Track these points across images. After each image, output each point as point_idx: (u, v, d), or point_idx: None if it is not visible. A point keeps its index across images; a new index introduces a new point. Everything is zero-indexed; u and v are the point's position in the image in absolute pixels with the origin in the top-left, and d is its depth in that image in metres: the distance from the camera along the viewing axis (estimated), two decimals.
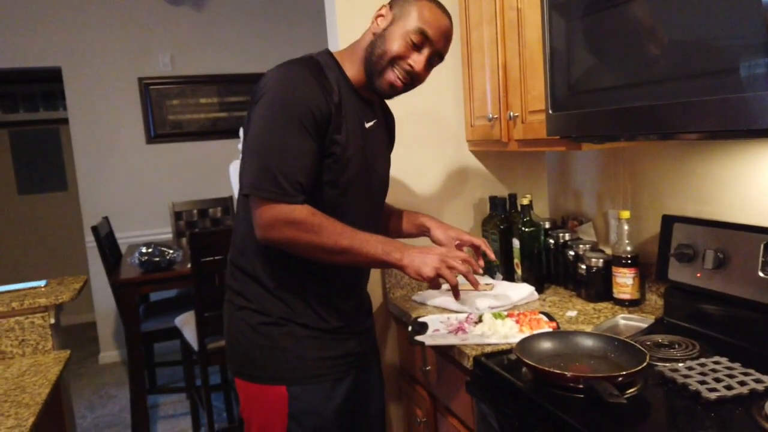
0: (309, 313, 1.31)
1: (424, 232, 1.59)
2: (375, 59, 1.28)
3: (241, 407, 1.35)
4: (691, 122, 1.02)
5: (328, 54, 1.34)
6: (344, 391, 1.34)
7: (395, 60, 1.28)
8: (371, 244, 1.23)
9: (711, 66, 0.97)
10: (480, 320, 1.51)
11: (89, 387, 3.79)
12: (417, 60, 1.28)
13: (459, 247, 1.49)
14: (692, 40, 1.02)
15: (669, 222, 1.48)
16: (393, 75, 1.29)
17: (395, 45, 1.27)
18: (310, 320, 1.31)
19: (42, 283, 1.84)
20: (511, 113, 1.65)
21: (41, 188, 5.16)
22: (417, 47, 1.27)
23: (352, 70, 1.32)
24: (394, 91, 1.32)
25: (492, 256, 1.50)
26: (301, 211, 1.18)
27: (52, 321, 1.69)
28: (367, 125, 1.35)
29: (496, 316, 1.51)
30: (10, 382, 1.44)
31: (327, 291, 1.34)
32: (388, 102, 1.49)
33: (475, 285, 1.33)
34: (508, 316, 1.52)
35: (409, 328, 1.53)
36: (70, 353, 1.67)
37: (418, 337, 1.46)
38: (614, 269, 1.62)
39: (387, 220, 1.61)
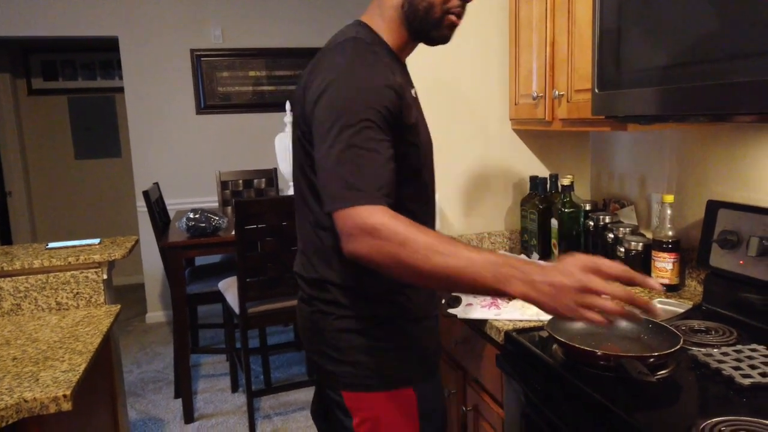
0: (414, 304, 1.18)
1: None
2: (422, 13, 1.13)
3: (356, 422, 1.14)
4: (746, 103, 0.99)
5: (366, 28, 1.16)
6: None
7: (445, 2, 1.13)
8: (477, 265, 0.89)
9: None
10: (513, 297, 1.52)
11: (136, 344, 3.98)
12: None
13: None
14: (752, 17, 0.98)
15: (714, 207, 1.44)
16: (451, 17, 1.14)
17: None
18: (417, 310, 1.18)
19: (96, 241, 1.94)
20: (557, 92, 1.63)
21: (97, 154, 5.38)
22: None
23: (391, 36, 1.16)
24: (453, 30, 1.18)
25: (655, 286, 0.95)
26: (379, 214, 0.94)
27: (105, 277, 1.79)
28: (413, 94, 1.19)
29: None
30: (65, 331, 1.54)
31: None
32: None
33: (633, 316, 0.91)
34: None
35: (443, 301, 1.56)
36: (120, 308, 1.76)
37: (451, 310, 1.49)
38: (654, 253, 1.59)
39: None
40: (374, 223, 0.93)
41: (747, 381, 1.02)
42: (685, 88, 1.11)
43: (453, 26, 1.16)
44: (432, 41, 1.19)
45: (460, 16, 1.16)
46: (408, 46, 1.21)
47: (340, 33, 1.17)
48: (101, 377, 1.68)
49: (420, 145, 1.14)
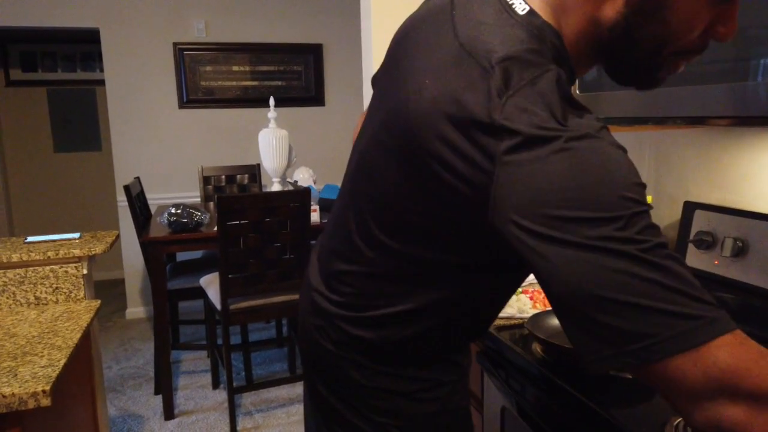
0: (463, 355, 0.97)
1: None
2: (652, 51, 0.71)
3: None
4: (721, 107, 1.02)
5: (556, 41, 0.70)
6: None
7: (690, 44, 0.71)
8: None
9: (744, 52, 0.97)
10: None
11: (116, 340, 3.94)
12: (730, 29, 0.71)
13: None
14: None
15: (690, 208, 1.48)
16: (682, 63, 0.75)
17: (697, 29, 0.69)
18: (464, 361, 0.98)
19: (76, 235, 1.92)
20: None
21: (76, 147, 5.30)
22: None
23: (574, 57, 0.73)
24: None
25: None
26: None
27: (85, 272, 1.77)
28: None
29: None
30: (44, 326, 1.53)
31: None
32: None
33: None
34: (523, 292, 1.55)
35: None
36: (100, 303, 1.75)
37: None
38: None
39: None
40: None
41: None
42: (664, 91, 1.13)
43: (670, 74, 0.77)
44: (643, 86, 0.81)
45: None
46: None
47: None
48: (81, 373, 1.67)
49: None
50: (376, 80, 0.95)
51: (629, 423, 0.97)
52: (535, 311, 1.42)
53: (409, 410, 0.90)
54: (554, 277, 0.60)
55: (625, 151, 0.63)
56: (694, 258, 1.44)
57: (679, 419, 0.94)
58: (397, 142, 0.76)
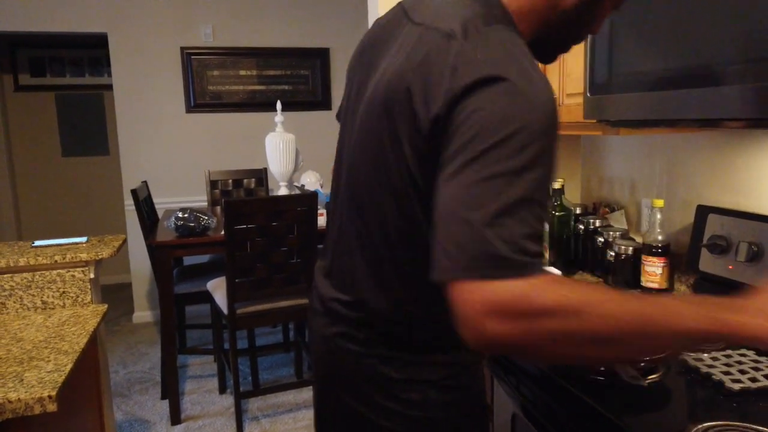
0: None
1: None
2: (566, 31, 0.88)
3: None
4: (734, 109, 1.00)
5: (504, 12, 0.81)
6: None
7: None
8: (683, 310, 0.68)
9: (758, 53, 0.95)
10: None
11: (123, 344, 3.94)
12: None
13: None
14: (743, 25, 0.99)
15: (703, 212, 1.45)
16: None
17: (599, 22, 0.89)
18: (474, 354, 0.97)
19: (83, 239, 1.92)
20: None
21: (84, 152, 5.32)
22: None
23: (522, 28, 0.83)
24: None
25: None
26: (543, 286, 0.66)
27: (92, 276, 1.77)
28: None
29: None
30: (51, 331, 1.52)
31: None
32: None
33: None
34: None
35: None
36: (107, 307, 1.74)
37: None
38: (644, 258, 1.60)
39: None
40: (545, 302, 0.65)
41: (737, 386, 1.03)
42: (676, 93, 1.11)
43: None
44: (545, 58, 0.93)
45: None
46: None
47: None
48: (87, 378, 1.66)
49: None
50: (339, 114, 1.03)
51: (643, 431, 0.95)
52: None
53: (438, 400, 0.91)
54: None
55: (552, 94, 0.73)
56: (708, 263, 1.41)
57: (696, 427, 0.92)
58: (378, 124, 0.83)
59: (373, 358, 0.91)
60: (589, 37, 1.34)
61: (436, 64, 0.75)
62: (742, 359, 1.15)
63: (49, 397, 1.13)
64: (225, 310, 2.64)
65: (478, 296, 0.65)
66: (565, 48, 0.93)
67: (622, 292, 0.74)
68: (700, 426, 0.93)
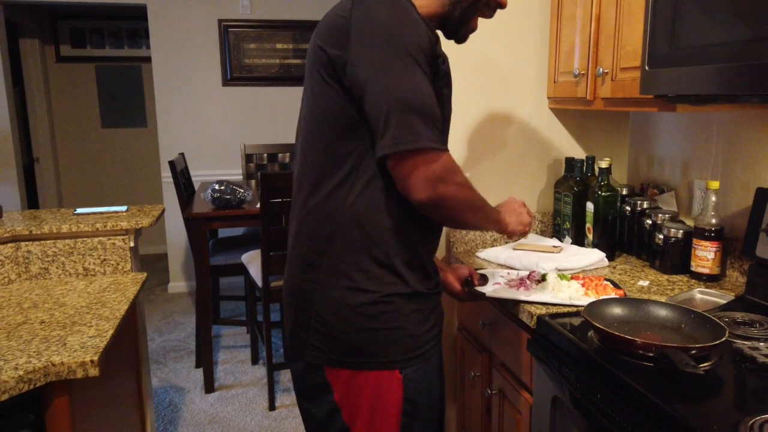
0: (417, 278, 1.14)
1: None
2: (465, 7, 1.17)
3: (337, 396, 1.14)
4: None
5: None
6: (440, 358, 1.24)
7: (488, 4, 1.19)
8: (493, 209, 1.22)
9: None
10: (543, 279, 1.48)
11: (158, 313, 4.02)
12: None
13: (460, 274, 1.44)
14: None
15: (763, 195, 1.38)
16: (477, 22, 1.21)
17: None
18: (419, 286, 1.14)
19: (123, 208, 1.94)
20: (601, 69, 1.56)
21: (123, 123, 5.39)
22: None
23: (422, 6, 1.13)
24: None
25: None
26: (453, 160, 1.05)
27: (132, 244, 1.78)
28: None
29: (561, 276, 1.47)
30: (92, 297, 1.54)
31: (432, 249, 1.21)
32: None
33: None
34: (573, 278, 1.48)
35: (468, 279, 1.52)
36: (147, 275, 1.76)
37: (479, 288, 1.45)
38: (695, 241, 1.53)
39: None
40: (456, 169, 1.05)
41: None
42: (741, 66, 1.04)
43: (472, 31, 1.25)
44: (455, 37, 1.24)
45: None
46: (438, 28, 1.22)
47: None
48: (127, 344, 1.68)
49: (449, 96, 1.17)
50: None
51: (695, 419, 0.90)
52: (588, 299, 1.35)
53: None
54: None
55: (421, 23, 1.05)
56: (766, 248, 1.34)
57: (755, 419, 0.88)
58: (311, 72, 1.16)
59: (307, 283, 1.16)
60: (650, 5, 1.27)
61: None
62: None
63: (92, 361, 1.14)
64: (259, 283, 2.65)
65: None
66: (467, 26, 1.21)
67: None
68: (758, 418, 0.88)
